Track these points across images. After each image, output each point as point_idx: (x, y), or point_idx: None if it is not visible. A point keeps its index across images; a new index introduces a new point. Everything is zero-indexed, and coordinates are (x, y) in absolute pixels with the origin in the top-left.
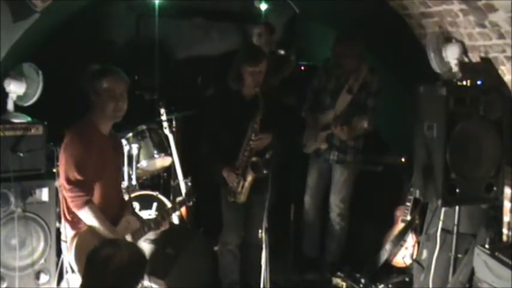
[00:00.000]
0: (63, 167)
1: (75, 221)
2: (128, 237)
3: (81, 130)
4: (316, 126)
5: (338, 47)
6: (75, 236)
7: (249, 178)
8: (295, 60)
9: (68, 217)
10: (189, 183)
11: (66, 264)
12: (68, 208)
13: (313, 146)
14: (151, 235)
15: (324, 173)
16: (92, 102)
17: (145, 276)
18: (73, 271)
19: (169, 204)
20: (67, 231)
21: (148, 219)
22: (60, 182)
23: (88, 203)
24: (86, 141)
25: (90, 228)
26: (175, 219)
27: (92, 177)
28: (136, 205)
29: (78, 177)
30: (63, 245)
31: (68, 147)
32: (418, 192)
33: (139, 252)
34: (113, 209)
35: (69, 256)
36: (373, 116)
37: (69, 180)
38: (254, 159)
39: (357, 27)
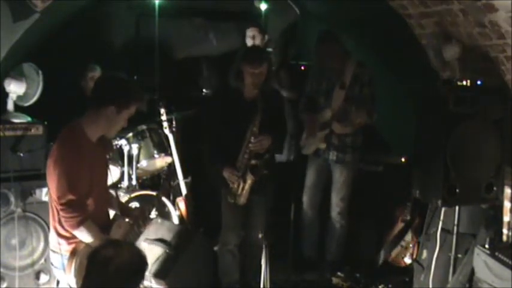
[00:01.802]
0: (54, 183)
1: (69, 236)
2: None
3: (70, 139)
4: (314, 126)
5: (319, 50)
6: (72, 253)
7: (249, 181)
8: (296, 45)
9: (61, 232)
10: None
11: (57, 277)
12: (61, 223)
13: (312, 146)
14: (151, 235)
15: (322, 172)
16: (98, 111)
17: (146, 277)
18: None
19: (168, 204)
20: (62, 246)
21: (136, 217)
22: (52, 196)
23: (83, 222)
24: (76, 152)
25: (88, 246)
26: (175, 219)
27: (85, 192)
28: (136, 205)
29: (71, 197)
30: (54, 256)
31: (58, 161)
32: (418, 192)
33: (139, 253)
34: (104, 215)
35: (68, 275)
36: (372, 105)
37: (61, 201)
38: (253, 162)
39: (357, 27)
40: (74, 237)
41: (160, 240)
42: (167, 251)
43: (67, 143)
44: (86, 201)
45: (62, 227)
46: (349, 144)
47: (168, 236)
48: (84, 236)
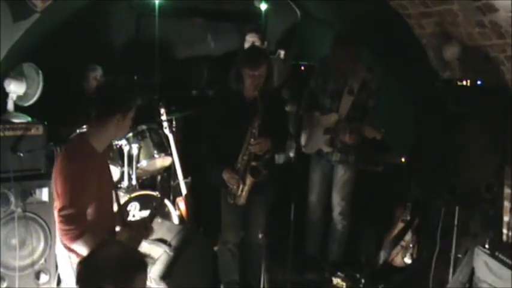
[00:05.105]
0: (57, 195)
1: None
2: None
3: (76, 153)
4: (317, 126)
5: (337, 49)
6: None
7: (248, 182)
8: (291, 60)
9: (69, 246)
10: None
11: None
12: None
13: (315, 146)
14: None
15: (326, 173)
16: (105, 121)
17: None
18: None
19: (168, 204)
20: (72, 259)
21: (138, 226)
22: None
23: (80, 236)
24: (82, 166)
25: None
26: (175, 219)
27: (85, 204)
28: (136, 205)
29: (71, 211)
30: (61, 262)
31: (62, 174)
32: (418, 192)
33: (139, 254)
34: (107, 223)
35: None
36: (373, 116)
37: (61, 213)
38: (253, 163)
39: (357, 27)
40: None
41: (160, 240)
42: (167, 251)
43: (73, 156)
44: (85, 213)
45: None
46: (351, 145)
47: (168, 236)
48: (82, 250)
